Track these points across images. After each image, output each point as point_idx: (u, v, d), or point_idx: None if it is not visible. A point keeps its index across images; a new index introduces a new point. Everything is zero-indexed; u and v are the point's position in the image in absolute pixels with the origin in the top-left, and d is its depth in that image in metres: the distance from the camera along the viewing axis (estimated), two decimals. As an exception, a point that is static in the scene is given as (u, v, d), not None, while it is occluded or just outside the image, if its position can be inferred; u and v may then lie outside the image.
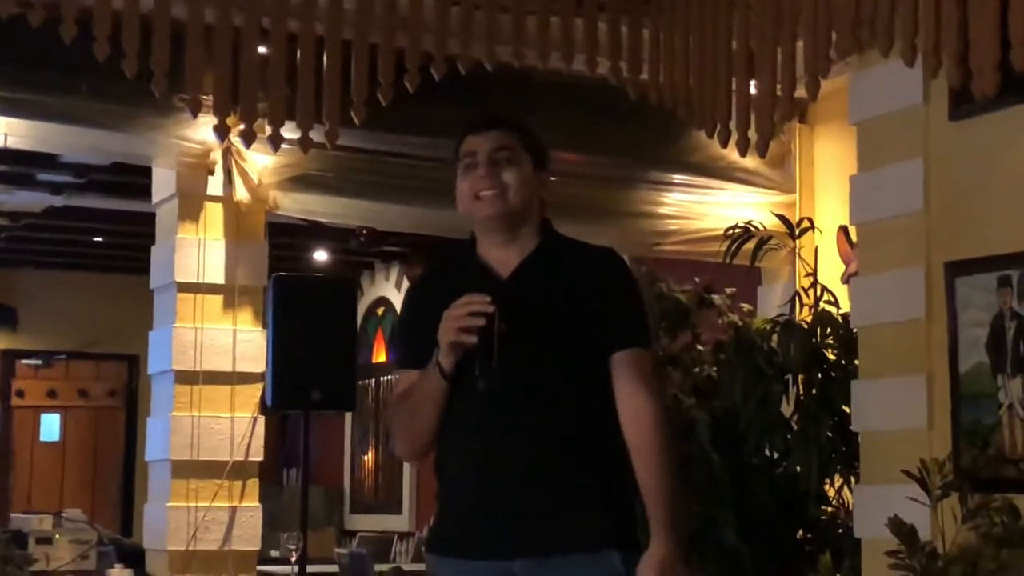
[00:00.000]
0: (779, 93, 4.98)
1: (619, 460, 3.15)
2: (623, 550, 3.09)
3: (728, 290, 6.20)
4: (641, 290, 3.34)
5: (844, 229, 7.04)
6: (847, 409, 5.30)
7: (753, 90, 5.11)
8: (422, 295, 3.37)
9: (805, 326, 5.72)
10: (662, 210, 7.41)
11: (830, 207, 7.25)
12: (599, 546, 3.09)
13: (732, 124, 5.17)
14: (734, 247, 6.14)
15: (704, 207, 7.30)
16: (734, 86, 5.14)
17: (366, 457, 13.39)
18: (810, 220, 6.73)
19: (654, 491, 3.09)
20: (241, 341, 6.81)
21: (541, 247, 3.27)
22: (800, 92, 4.93)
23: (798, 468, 5.50)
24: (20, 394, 13.86)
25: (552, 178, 3.37)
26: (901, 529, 4.30)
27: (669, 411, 3.27)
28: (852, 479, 5.43)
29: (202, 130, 6.21)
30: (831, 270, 6.96)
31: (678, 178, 7.20)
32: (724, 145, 5.29)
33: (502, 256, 3.26)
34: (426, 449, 3.30)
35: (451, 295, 3.16)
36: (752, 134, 5.14)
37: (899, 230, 4.96)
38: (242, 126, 5.04)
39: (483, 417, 3.17)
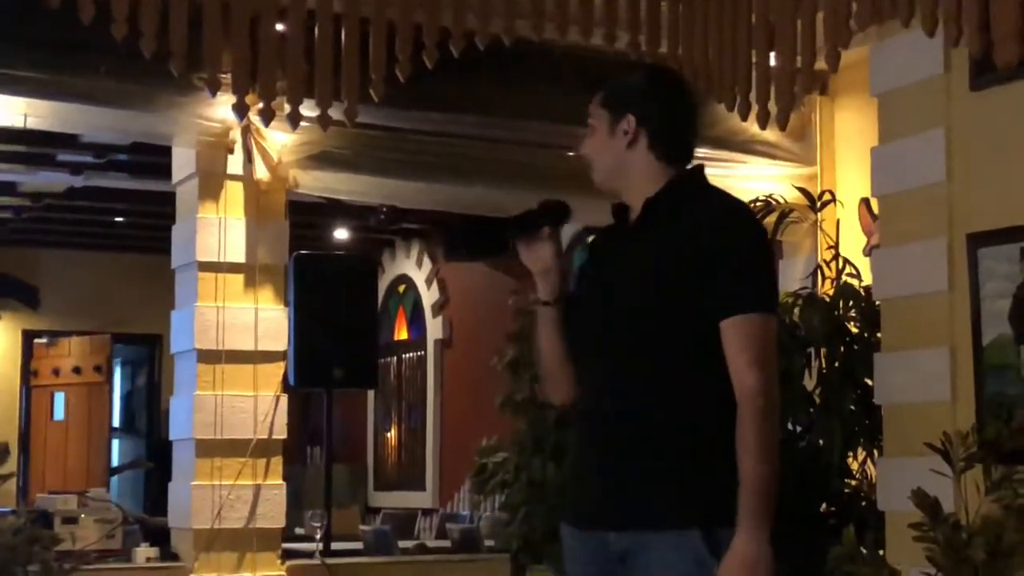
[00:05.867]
0: (799, 65, 4.95)
1: (711, 434, 2.97)
2: (707, 528, 2.95)
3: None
4: (759, 251, 3.08)
5: (866, 201, 7.01)
6: (870, 382, 5.29)
7: (773, 62, 5.08)
8: None
9: (827, 299, 5.70)
10: (682, 184, 7.37)
11: (851, 179, 7.22)
12: (679, 524, 2.97)
13: (752, 97, 5.14)
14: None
15: (724, 181, 7.21)
16: (754, 59, 5.11)
17: (389, 434, 13.43)
18: (831, 193, 6.72)
19: (743, 477, 2.91)
20: (263, 320, 6.81)
21: (656, 197, 3.16)
22: (820, 64, 4.90)
23: (821, 442, 5.49)
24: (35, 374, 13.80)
25: (638, 118, 3.19)
26: (924, 501, 4.28)
27: (774, 388, 2.95)
28: (875, 452, 5.42)
29: (221, 109, 6.21)
30: (853, 243, 6.93)
31: (698, 152, 7.15)
32: (744, 118, 5.26)
33: (634, 204, 3.22)
34: (558, 390, 3.30)
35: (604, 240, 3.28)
36: (772, 107, 5.12)
37: (921, 202, 4.94)
38: (261, 104, 5.03)
39: (583, 376, 3.19)
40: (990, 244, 4.65)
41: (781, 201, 6.22)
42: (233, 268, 6.78)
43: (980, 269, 4.68)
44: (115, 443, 14.13)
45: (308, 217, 10.12)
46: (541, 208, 3.22)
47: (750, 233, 3.12)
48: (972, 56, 4.53)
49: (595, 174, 3.23)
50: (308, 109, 4.99)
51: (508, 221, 3.24)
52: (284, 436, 6.83)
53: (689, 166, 3.28)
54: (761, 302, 3.02)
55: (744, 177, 7.23)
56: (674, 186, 3.18)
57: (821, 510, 5.63)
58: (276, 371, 6.82)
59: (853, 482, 5.64)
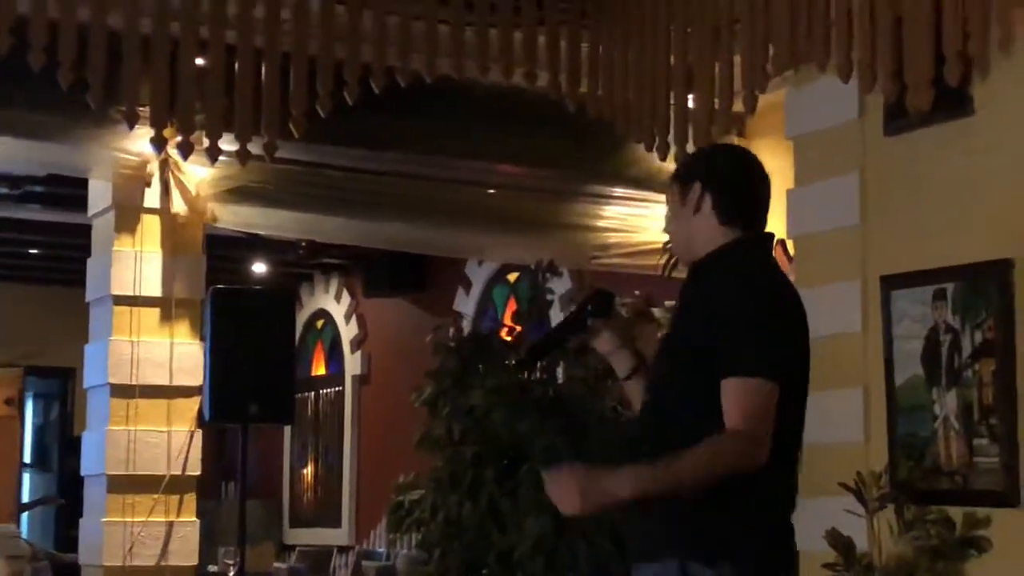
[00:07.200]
0: (717, 107, 5.00)
1: None
2: (684, 559, 3.07)
3: (668, 303, 6.22)
4: (753, 314, 3.16)
5: (781, 243, 7.06)
6: (785, 422, 5.32)
7: (691, 104, 5.13)
8: None
9: (743, 339, 5.73)
10: (601, 223, 7.42)
11: (767, 221, 7.28)
12: (660, 556, 3.12)
13: (670, 138, 5.19)
14: (673, 260, 6.16)
15: (643, 220, 7.31)
16: (672, 100, 5.16)
17: (305, 470, 13.32)
18: (748, 233, 6.75)
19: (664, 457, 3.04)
20: (178, 354, 6.75)
21: (692, 269, 3.32)
22: (738, 106, 4.96)
23: (736, 480, 5.51)
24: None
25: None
26: (838, 541, 4.32)
27: (743, 448, 3.10)
28: (790, 491, 5.44)
29: (139, 142, 6.16)
30: (769, 283, 6.98)
31: (617, 191, 7.22)
32: (663, 158, 5.30)
33: None
34: None
35: None
36: (690, 148, 5.16)
37: (835, 244, 4.99)
38: (179, 138, 5.00)
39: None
40: (903, 287, 4.71)
41: (699, 241, 6.25)
42: (149, 302, 6.73)
43: (893, 311, 4.73)
44: (26, 477, 13.91)
45: (226, 251, 10.04)
46: (581, 307, 3.42)
47: (743, 298, 3.18)
48: (886, 102, 4.60)
49: (675, 250, 3.41)
50: (227, 143, 4.97)
51: (560, 328, 3.52)
52: (198, 472, 6.76)
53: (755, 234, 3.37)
54: (743, 367, 3.11)
55: (662, 217, 7.25)
56: (718, 252, 3.28)
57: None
58: (191, 406, 6.76)
59: (767, 521, 5.66)
